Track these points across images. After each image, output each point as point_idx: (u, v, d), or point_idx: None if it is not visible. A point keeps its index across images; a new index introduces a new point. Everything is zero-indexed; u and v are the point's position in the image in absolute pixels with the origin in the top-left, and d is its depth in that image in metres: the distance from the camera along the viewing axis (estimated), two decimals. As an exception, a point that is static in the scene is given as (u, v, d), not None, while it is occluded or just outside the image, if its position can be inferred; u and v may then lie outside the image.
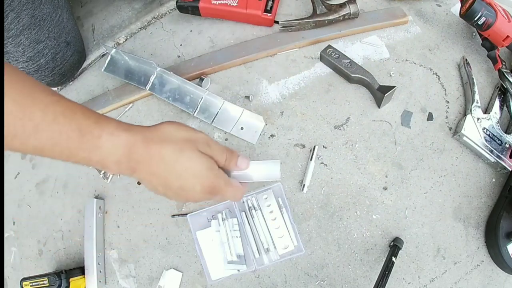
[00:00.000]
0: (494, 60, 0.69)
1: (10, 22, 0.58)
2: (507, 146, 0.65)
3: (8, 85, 0.34)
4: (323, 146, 0.65)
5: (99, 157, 0.38)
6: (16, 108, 0.34)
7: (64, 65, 0.72)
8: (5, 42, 0.60)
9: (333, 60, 0.68)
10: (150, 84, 0.70)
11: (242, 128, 0.67)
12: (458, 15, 0.71)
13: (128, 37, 0.80)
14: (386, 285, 0.54)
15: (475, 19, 0.65)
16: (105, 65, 0.73)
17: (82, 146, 0.37)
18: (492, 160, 0.65)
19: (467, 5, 0.65)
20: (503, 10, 0.65)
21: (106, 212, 0.66)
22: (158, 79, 0.70)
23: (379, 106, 0.67)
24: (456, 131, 0.67)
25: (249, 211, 0.62)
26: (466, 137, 0.64)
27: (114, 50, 0.71)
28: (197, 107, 0.68)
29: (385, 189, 0.64)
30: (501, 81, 0.68)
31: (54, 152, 0.37)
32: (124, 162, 0.39)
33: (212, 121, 0.67)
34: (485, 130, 0.65)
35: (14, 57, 0.64)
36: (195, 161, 0.41)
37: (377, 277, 0.55)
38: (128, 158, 0.39)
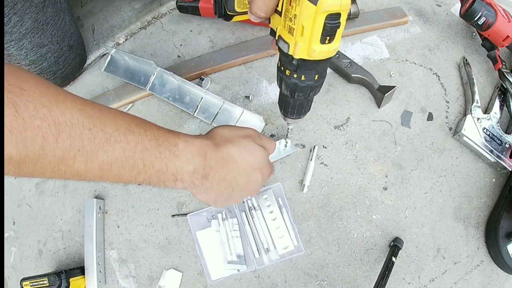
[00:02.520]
0: (494, 60, 0.69)
1: (13, 25, 0.58)
2: (507, 146, 0.65)
3: (70, 98, 0.31)
4: (323, 146, 0.65)
5: (175, 168, 0.37)
6: (83, 117, 0.30)
7: (66, 68, 0.72)
8: (7, 45, 0.60)
9: (333, 60, 0.68)
10: (150, 84, 0.70)
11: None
12: (458, 15, 0.71)
13: (128, 37, 0.80)
14: (386, 285, 0.54)
15: (475, 19, 0.65)
16: (105, 65, 0.73)
17: (160, 156, 0.35)
18: (492, 160, 0.65)
19: (467, 5, 0.65)
20: (503, 10, 0.65)
21: (106, 212, 0.66)
22: (158, 79, 0.70)
23: (379, 106, 0.67)
24: (456, 131, 0.67)
25: (249, 211, 0.62)
26: (466, 137, 0.64)
27: (114, 50, 0.71)
28: (197, 107, 0.68)
29: (385, 189, 0.64)
30: (501, 81, 0.68)
31: (125, 168, 0.33)
32: (199, 170, 0.39)
33: (212, 121, 0.67)
34: (485, 130, 0.65)
35: (16, 60, 0.64)
36: (258, 154, 0.44)
37: (377, 277, 0.55)
38: (203, 166, 0.39)
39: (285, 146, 0.63)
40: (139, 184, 0.38)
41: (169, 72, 0.67)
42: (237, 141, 0.43)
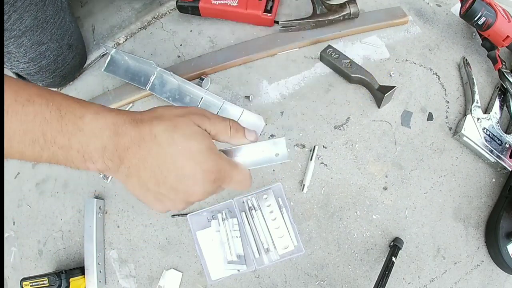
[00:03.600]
0: (494, 60, 0.69)
1: (13, 23, 0.58)
2: (507, 146, 0.65)
3: None
4: (323, 146, 0.65)
5: (80, 144, 0.31)
6: None
7: (65, 67, 0.72)
8: (7, 42, 0.60)
9: (333, 60, 0.68)
10: (150, 84, 0.70)
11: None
12: (458, 15, 0.71)
13: (128, 37, 0.80)
14: (386, 285, 0.54)
15: (475, 19, 0.65)
16: (105, 65, 0.73)
17: (62, 130, 0.30)
18: (492, 160, 0.65)
19: (467, 5, 0.65)
20: (503, 10, 0.65)
21: (106, 212, 0.66)
22: (158, 79, 0.70)
23: (379, 106, 0.67)
24: (456, 131, 0.67)
25: (249, 211, 0.62)
26: (466, 137, 0.64)
27: (114, 50, 0.71)
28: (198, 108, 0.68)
29: (385, 189, 0.64)
30: (501, 81, 0.68)
31: (25, 142, 0.30)
32: (110, 148, 0.32)
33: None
34: (485, 130, 0.65)
35: (15, 58, 0.64)
36: (193, 139, 0.33)
37: (377, 277, 0.55)
38: (115, 143, 0.32)
39: (276, 155, 0.41)
40: (55, 164, 0.33)
41: (169, 72, 0.67)
42: (168, 119, 0.34)
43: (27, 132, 0.30)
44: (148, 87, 0.70)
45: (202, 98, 0.68)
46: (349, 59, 0.68)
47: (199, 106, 0.68)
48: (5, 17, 0.56)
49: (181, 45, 0.76)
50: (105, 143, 0.32)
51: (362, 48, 0.73)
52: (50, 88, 0.35)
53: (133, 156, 0.33)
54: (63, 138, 0.31)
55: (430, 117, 0.68)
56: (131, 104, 0.72)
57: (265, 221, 0.61)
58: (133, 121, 0.33)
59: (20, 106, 0.30)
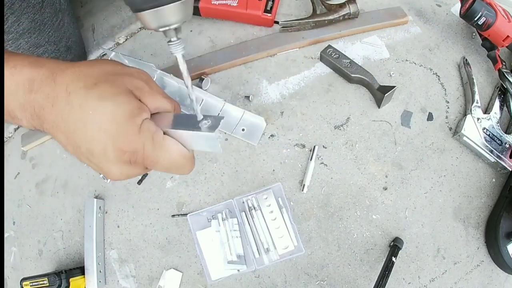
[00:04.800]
0: (494, 60, 0.69)
1: (10, 25, 0.58)
2: (507, 146, 0.65)
3: None
4: (323, 146, 0.65)
5: (5, 101, 0.28)
6: None
7: None
8: (4, 45, 0.60)
9: (333, 60, 0.68)
10: (150, 85, 0.70)
11: (243, 130, 0.67)
12: (458, 15, 0.71)
13: (128, 37, 0.80)
14: (386, 285, 0.54)
15: (475, 19, 0.65)
16: None
17: None
18: (492, 160, 0.65)
19: (467, 5, 0.65)
20: (503, 10, 0.65)
21: (106, 212, 0.66)
22: (158, 81, 0.70)
23: (379, 106, 0.67)
24: (456, 131, 0.67)
25: (249, 211, 0.62)
26: (466, 137, 0.64)
27: (113, 53, 0.71)
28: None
29: (385, 189, 0.64)
30: (501, 81, 0.68)
31: None
32: (28, 107, 0.28)
33: (213, 122, 0.67)
34: (485, 130, 0.65)
35: None
36: (109, 101, 0.26)
37: (377, 277, 0.55)
38: (30, 101, 0.28)
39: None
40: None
41: (169, 74, 0.67)
42: (90, 76, 0.28)
43: None
44: (148, 88, 0.70)
45: (203, 100, 0.68)
46: (349, 59, 0.68)
47: (199, 108, 0.67)
48: None
49: (181, 45, 0.76)
50: (21, 101, 0.28)
51: (362, 48, 0.73)
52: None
53: (49, 116, 0.28)
54: None
55: (430, 117, 0.68)
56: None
57: (265, 221, 0.61)
58: (52, 75, 0.28)
59: None
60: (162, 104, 0.31)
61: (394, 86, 0.63)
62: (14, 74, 0.28)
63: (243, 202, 0.63)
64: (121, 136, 0.27)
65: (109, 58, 0.72)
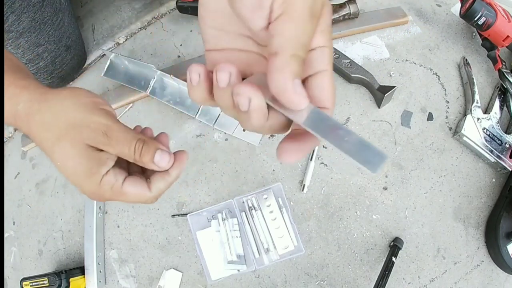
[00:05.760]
0: (494, 60, 0.69)
1: (11, 24, 0.58)
2: (507, 146, 0.65)
3: None
4: (323, 146, 0.65)
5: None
6: None
7: (63, 68, 0.72)
8: (4, 43, 0.60)
9: (333, 60, 0.68)
10: (151, 88, 0.70)
11: (244, 130, 0.67)
12: (458, 15, 0.71)
13: (128, 37, 0.80)
14: (386, 285, 0.54)
15: (475, 19, 0.65)
16: (105, 70, 0.72)
17: None
18: (492, 160, 0.65)
19: (467, 5, 0.65)
20: (503, 10, 0.65)
21: (106, 212, 0.66)
22: (159, 82, 0.70)
23: (379, 106, 0.67)
24: (456, 131, 0.67)
25: (249, 211, 0.62)
26: (466, 137, 0.64)
27: (113, 54, 0.70)
28: (198, 110, 0.68)
29: (385, 189, 0.64)
30: (501, 81, 0.68)
31: None
32: (23, 129, 0.34)
33: (214, 123, 0.67)
34: (485, 130, 0.65)
35: None
36: (70, 161, 0.31)
37: (377, 277, 0.55)
38: (17, 126, 0.34)
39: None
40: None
41: (169, 75, 0.67)
42: (56, 126, 0.32)
43: None
44: (149, 91, 0.70)
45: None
46: (349, 59, 0.68)
47: (200, 109, 0.67)
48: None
49: (181, 45, 0.76)
50: (10, 122, 0.34)
51: (362, 48, 0.73)
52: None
53: (36, 142, 0.33)
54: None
55: (430, 117, 0.68)
56: (130, 105, 0.72)
57: (265, 221, 0.61)
58: (26, 116, 0.33)
59: None
60: (121, 150, 0.32)
61: (394, 86, 0.63)
62: (7, 103, 0.33)
63: (243, 202, 0.63)
64: (85, 187, 0.32)
65: (109, 60, 0.72)
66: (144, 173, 0.35)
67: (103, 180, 0.32)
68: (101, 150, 0.32)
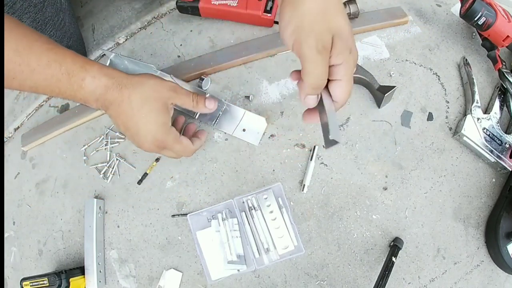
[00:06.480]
0: (494, 60, 0.69)
1: None
2: (507, 146, 0.65)
3: (10, 35, 0.42)
4: (323, 146, 0.65)
5: (82, 96, 0.46)
6: (15, 56, 0.42)
7: None
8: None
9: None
10: (150, 86, 0.70)
11: (244, 130, 0.67)
12: (458, 15, 0.71)
13: (128, 37, 0.80)
14: (386, 285, 0.54)
15: (475, 19, 0.65)
16: None
17: (69, 87, 0.45)
18: (492, 160, 0.65)
19: (467, 5, 0.65)
20: (503, 10, 0.65)
21: (106, 212, 0.66)
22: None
23: (379, 106, 0.67)
24: (456, 131, 0.67)
25: (249, 211, 0.62)
26: (466, 137, 0.64)
27: (113, 54, 0.70)
28: None
29: (385, 189, 0.64)
30: (501, 81, 0.68)
31: (46, 90, 0.45)
32: (101, 100, 0.47)
33: (214, 123, 0.67)
34: (485, 130, 0.65)
35: None
36: (154, 114, 0.47)
37: (377, 277, 0.55)
38: (104, 98, 0.46)
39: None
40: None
41: (169, 75, 0.67)
42: (144, 90, 0.47)
43: (48, 86, 0.45)
44: (148, 89, 0.70)
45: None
46: (349, 59, 0.68)
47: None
48: None
49: (181, 45, 0.76)
50: (97, 97, 0.47)
51: (362, 48, 0.73)
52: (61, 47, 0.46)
53: (114, 109, 0.48)
54: (71, 92, 0.46)
55: (430, 117, 0.68)
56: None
57: (265, 221, 0.61)
58: (119, 85, 0.46)
59: (42, 69, 0.43)
60: (185, 101, 0.53)
61: (394, 86, 0.63)
62: (95, 81, 0.46)
63: (243, 202, 0.63)
64: (158, 132, 0.48)
65: (109, 60, 0.72)
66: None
67: (171, 129, 0.50)
68: (171, 108, 0.50)
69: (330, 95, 0.43)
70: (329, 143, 0.43)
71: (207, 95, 0.54)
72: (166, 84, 0.49)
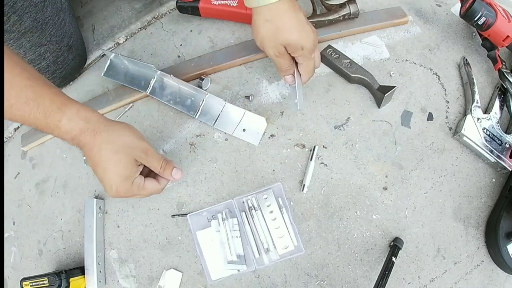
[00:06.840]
0: (494, 60, 0.69)
1: (12, 24, 0.58)
2: (507, 146, 0.65)
3: None
4: (323, 146, 0.65)
5: (58, 134, 0.49)
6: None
7: (65, 68, 0.72)
8: (6, 43, 0.60)
9: (333, 60, 0.69)
10: (151, 88, 0.70)
11: (244, 130, 0.67)
12: (458, 15, 0.71)
13: (128, 37, 0.80)
14: (386, 285, 0.54)
15: (475, 19, 0.65)
16: (105, 70, 0.72)
17: (46, 125, 0.47)
18: (492, 160, 0.65)
19: (467, 5, 0.65)
20: (503, 10, 0.65)
21: (106, 212, 0.66)
22: (159, 82, 0.70)
23: (379, 106, 0.67)
24: (456, 131, 0.67)
25: (249, 211, 0.62)
26: (466, 137, 0.64)
27: (113, 54, 0.70)
28: (199, 110, 0.68)
29: (385, 189, 0.64)
30: (501, 81, 0.68)
31: (25, 124, 0.48)
32: (76, 140, 0.49)
33: (214, 123, 0.67)
34: (485, 130, 0.65)
35: None
36: (121, 167, 0.49)
37: (377, 277, 0.55)
38: (78, 139, 0.49)
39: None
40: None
41: (169, 75, 0.67)
42: (116, 143, 0.49)
43: (27, 121, 0.47)
44: (149, 91, 0.70)
45: (203, 101, 0.68)
46: (349, 59, 0.68)
47: (200, 109, 0.67)
48: (4, 18, 0.56)
49: (181, 45, 0.76)
50: (72, 137, 0.48)
51: (362, 48, 0.73)
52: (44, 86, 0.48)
53: (86, 151, 0.50)
54: (48, 129, 0.48)
55: (430, 117, 0.68)
56: (131, 105, 0.72)
57: (265, 221, 0.61)
58: (94, 131, 0.49)
59: (20, 106, 0.45)
60: (153, 165, 0.53)
61: (394, 86, 0.63)
62: (71, 124, 0.47)
63: (243, 202, 0.63)
64: (120, 185, 0.50)
65: (109, 60, 0.72)
66: (154, 176, 0.56)
67: (135, 181, 0.52)
68: (139, 164, 0.52)
69: (300, 74, 0.61)
70: (295, 105, 0.63)
71: (175, 166, 0.55)
72: (141, 144, 0.51)
